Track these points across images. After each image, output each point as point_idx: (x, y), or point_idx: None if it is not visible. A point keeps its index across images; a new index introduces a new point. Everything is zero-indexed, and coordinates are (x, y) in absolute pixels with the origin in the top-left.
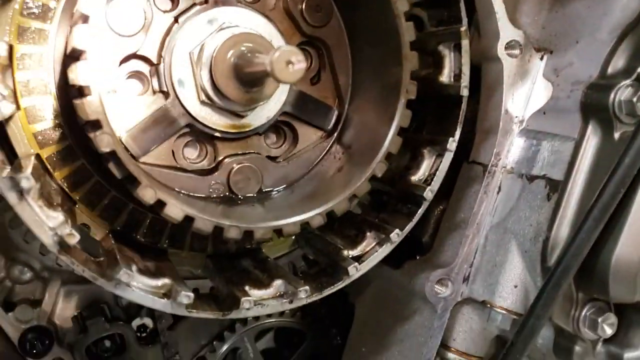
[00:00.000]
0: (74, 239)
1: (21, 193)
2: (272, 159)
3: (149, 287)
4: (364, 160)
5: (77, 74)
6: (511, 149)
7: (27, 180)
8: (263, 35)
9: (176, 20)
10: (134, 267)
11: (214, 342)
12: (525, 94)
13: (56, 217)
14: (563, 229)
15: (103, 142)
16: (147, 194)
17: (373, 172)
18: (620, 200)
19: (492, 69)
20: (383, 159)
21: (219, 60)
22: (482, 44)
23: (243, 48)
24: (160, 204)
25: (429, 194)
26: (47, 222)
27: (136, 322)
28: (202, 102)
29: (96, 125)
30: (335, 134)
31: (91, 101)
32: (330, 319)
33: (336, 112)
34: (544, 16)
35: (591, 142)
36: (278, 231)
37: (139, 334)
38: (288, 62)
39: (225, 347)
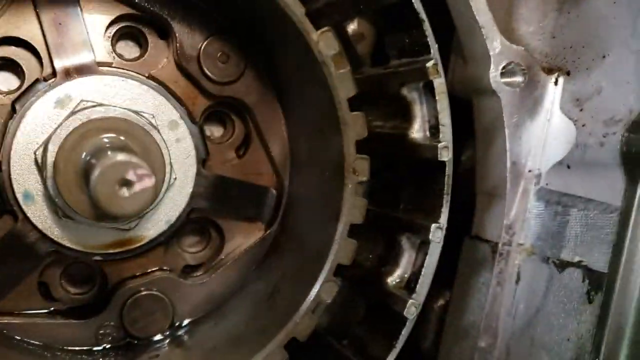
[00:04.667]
0: None
1: None
2: (190, 271)
3: None
4: (306, 276)
5: None
6: (528, 219)
7: None
8: (143, 113)
9: (13, 107)
10: None
11: None
12: (539, 136)
13: None
14: (621, 350)
15: None
16: None
17: (319, 299)
18: None
19: (487, 106)
20: (331, 276)
21: (63, 163)
22: (468, 72)
23: (105, 140)
24: None
25: (412, 309)
26: None
27: None
28: (62, 220)
29: None
30: (276, 225)
31: None
32: None
33: (274, 193)
34: (552, 20)
35: None
36: None
37: None
38: (122, 182)
39: None
